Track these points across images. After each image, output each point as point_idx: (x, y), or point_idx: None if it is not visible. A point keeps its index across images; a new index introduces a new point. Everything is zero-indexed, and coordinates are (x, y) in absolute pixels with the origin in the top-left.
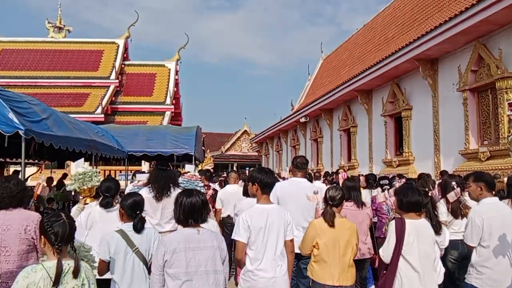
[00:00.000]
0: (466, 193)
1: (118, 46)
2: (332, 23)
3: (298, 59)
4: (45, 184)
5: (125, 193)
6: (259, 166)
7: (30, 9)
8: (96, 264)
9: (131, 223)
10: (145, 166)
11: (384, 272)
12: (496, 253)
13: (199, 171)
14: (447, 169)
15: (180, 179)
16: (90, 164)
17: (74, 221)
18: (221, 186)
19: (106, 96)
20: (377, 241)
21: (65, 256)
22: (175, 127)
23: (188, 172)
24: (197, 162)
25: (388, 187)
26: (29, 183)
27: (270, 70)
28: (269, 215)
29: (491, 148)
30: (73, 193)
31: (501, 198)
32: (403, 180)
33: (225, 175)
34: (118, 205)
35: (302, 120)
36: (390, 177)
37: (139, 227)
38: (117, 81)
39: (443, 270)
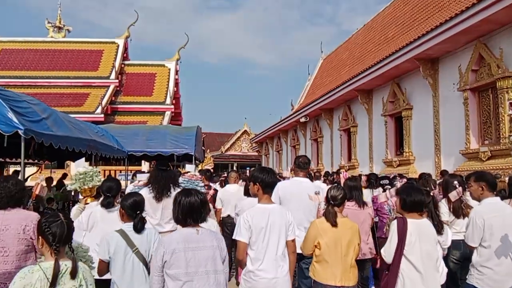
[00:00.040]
0: (468, 193)
1: (118, 46)
2: (332, 23)
3: (298, 59)
4: (44, 184)
5: (126, 193)
6: (261, 166)
7: (30, 9)
8: (94, 265)
9: (131, 223)
10: (145, 166)
11: (386, 272)
12: (497, 254)
13: (199, 171)
14: (448, 169)
15: (181, 179)
16: (90, 164)
17: (72, 222)
18: (222, 186)
19: (106, 96)
20: (378, 241)
21: (62, 256)
22: (175, 127)
23: (189, 172)
24: (197, 162)
25: (389, 186)
26: (29, 183)
27: (270, 70)
28: (270, 215)
29: (492, 147)
30: (73, 193)
31: (502, 198)
32: (404, 180)
33: (225, 175)
34: (119, 205)
35: (302, 120)
36: (391, 177)
37: (139, 227)
38: (117, 81)
39: (445, 270)
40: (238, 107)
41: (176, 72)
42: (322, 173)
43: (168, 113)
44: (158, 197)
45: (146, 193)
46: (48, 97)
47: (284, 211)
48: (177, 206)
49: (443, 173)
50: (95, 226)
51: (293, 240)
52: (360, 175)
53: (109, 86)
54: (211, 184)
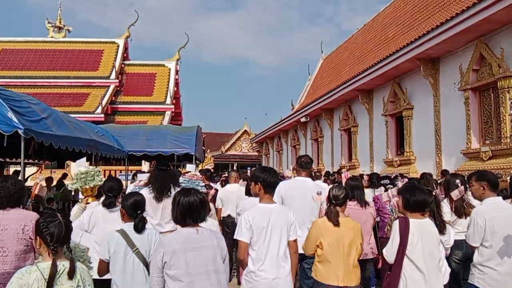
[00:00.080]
0: (470, 192)
1: (118, 46)
2: (332, 23)
3: (298, 59)
4: (44, 184)
5: (126, 193)
6: (262, 166)
7: (30, 9)
8: (92, 265)
9: (132, 223)
10: (145, 166)
11: (388, 273)
12: (499, 253)
13: (199, 171)
14: (449, 169)
15: (181, 179)
16: (90, 164)
17: (70, 222)
18: (223, 186)
19: (106, 96)
20: (380, 241)
21: (60, 257)
22: (176, 127)
23: (189, 172)
24: (197, 162)
25: (391, 186)
26: (29, 183)
27: (270, 70)
28: (271, 215)
29: (493, 147)
30: (73, 193)
31: (504, 198)
32: (406, 180)
33: (226, 174)
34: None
35: (303, 119)
36: (392, 176)
37: (140, 227)
38: (117, 81)
39: (448, 270)
40: (238, 107)
41: (176, 72)
42: (323, 173)
43: (168, 113)
44: (158, 197)
45: (146, 193)
46: (48, 97)
47: (286, 211)
48: (176, 206)
49: (444, 173)
50: (97, 226)
51: (295, 240)
52: (361, 175)
53: (109, 86)
54: (211, 184)
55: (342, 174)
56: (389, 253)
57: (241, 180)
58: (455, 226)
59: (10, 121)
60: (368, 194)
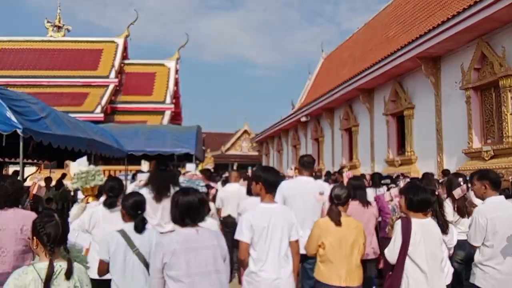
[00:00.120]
0: (472, 192)
1: (117, 45)
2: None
3: (298, 59)
4: (42, 184)
5: (127, 193)
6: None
7: (30, 9)
8: (89, 265)
9: (132, 223)
10: (145, 165)
11: (390, 273)
12: (500, 253)
13: (200, 171)
14: (450, 168)
15: (181, 179)
16: (90, 164)
17: (68, 222)
18: (224, 186)
19: (106, 95)
20: (381, 241)
21: (57, 257)
22: (175, 126)
23: (189, 171)
24: (197, 162)
25: (394, 185)
26: (28, 183)
27: (270, 69)
28: (272, 215)
29: (494, 147)
30: (72, 193)
31: (506, 197)
32: (407, 180)
33: (227, 174)
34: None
35: (303, 119)
36: (394, 176)
37: (140, 228)
38: (116, 80)
39: (451, 270)
40: (238, 107)
41: (176, 71)
42: (323, 173)
43: (168, 113)
44: (158, 198)
45: (146, 194)
46: (47, 97)
47: (287, 211)
48: (175, 205)
49: (445, 172)
50: (97, 226)
51: (297, 241)
52: (362, 175)
53: (108, 85)
54: (212, 184)
55: (343, 174)
56: (391, 253)
57: (242, 179)
58: (458, 226)
59: (9, 121)
60: (370, 193)
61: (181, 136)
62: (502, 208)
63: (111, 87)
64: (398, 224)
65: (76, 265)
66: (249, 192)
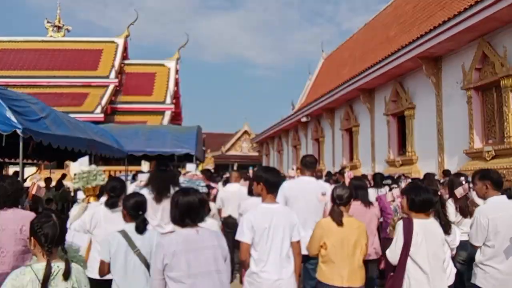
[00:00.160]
0: (474, 192)
1: (117, 45)
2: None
3: (298, 59)
4: (42, 184)
5: (128, 193)
6: (264, 165)
7: (29, 8)
8: (90, 264)
9: (133, 224)
10: (145, 166)
11: (391, 274)
12: (502, 253)
13: (200, 171)
14: (451, 169)
15: (181, 179)
16: (90, 164)
17: (65, 222)
18: (224, 186)
19: (106, 95)
20: (382, 241)
21: (55, 258)
22: (176, 126)
23: (190, 172)
24: (197, 162)
25: (395, 185)
26: (28, 183)
27: (270, 69)
28: (274, 216)
29: (496, 147)
30: (72, 194)
31: (508, 197)
32: (409, 180)
33: (227, 175)
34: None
35: (303, 119)
36: (395, 176)
37: (141, 228)
38: (116, 80)
39: (454, 270)
40: (239, 107)
41: (176, 71)
42: (324, 173)
43: (168, 113)
44: (158, 198)
45: (146, 194)
46: (47, 97)
47: (289, 211)
48: (175, 205)
49: (445, 172)
50: (98, 226)
51: (298, 241)
52: (363, 175)
53: (108, 85)
54: (213, 184)
55: (345, 174)
56: (393, 254)
57: (242, 180)
58: (460, 226)
59: (9, 121)
60: (372, 194)
61: (181, 137)
62: (504, 208)
63: (111, 87)
64: (399, 225)
65: (74, 266)
66: (250, 193)
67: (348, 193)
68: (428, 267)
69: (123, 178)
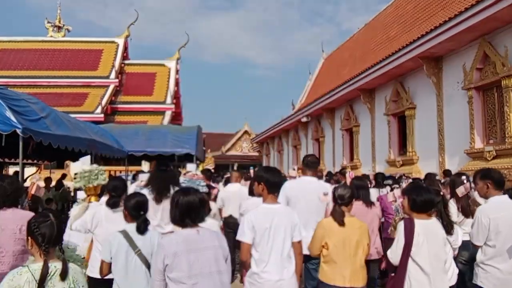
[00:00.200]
0: (476, 192)
1: (117, 45)
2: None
3: (298, 59)
4: (42, 184)
5: (129, 193)
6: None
7: (29, 8)
8: (91, 264)
9: (135, 224)
10: (145, 166)
11: (392, 274)
12: (503, 252)
13: (200, 171)
14: (452, 169)
15: (182, 179)
16: (91, 164)
17: (63, 222)
18: (225, 186)
19: (106, 95)
20: (384, 242)
21: (52, 258)
22: (176, 126)
23: (190, 171)
24: (197, 162)
25: (397, 185)
26: (28, 183)
27: (270, 69)
28: (275, 216)
29: (497, 147)
30: (72, 194)
31: (510, 197)
32: (410, 180)
33: (228, 174)
34: None
35: (304, 119)
36: (397, 176)
37: (142, 229)
38: (116, 80)
39: (456, 271)
40: (239, 107)
41: (177, 71)
42: (324, 173)
43: (168, 113)
44: (158, 198)
45: (146, 194)
46: (47, 97)
47: (290, 211)
48: (175, 205)
49: (446, 172)
50: (99, 226)
51: (299, 242)
52: (364, 175)
53: (109, 85)
54: (214, 184)
55: (346, 175)
56: (394, 254)
57: (243, 180)
58: (462, 226)
59: (8, 120)
60: (373, 194)
61: (182, 136)
62: (506, 208)
63: (111, 87)
64: (401, 225)
65: (71, 266)
66: (251, 193)
67: (349, 193)
68: (429, 268)
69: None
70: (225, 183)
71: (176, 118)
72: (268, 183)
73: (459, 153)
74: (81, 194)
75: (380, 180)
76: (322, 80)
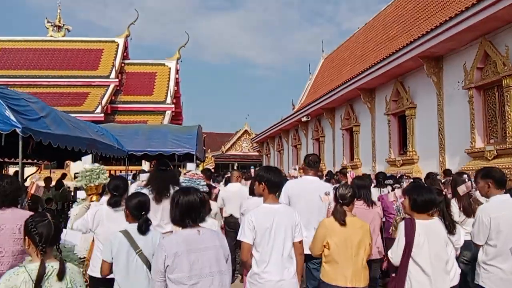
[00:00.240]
0: (478, 191)
1: (118, 45)
2: (332, 23)
3: (298, 59)
4: (41, 184)
5: (129, 193)
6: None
7: (29, 8)
8: (92, 263)
9: (136, 224)
10: (145, 165)
11: (393, 275)
12: (504, 252)
13: (201, 171)
14: (453, 168)
15: (182, 178)
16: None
17: (60, 222)
18: (226, 185)
19: (106, 95)
20: (385, 241)
21: (49, 257)
22: (176, 126)
23: (190, 171)
24: (198, 161)
25: (398, 185)
26: (28, 183)
27: (270, 69)
28: (275, 216)
29: (497, 146)
30: (72, 193)
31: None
32: (410, 180)
33: (229, 174)
34: None
35: (304, 119)
36: (398, 176)
37: (144, 229)
38: (117, 80)
39: (458, 271)
40: (239, 107)
41: (177, 71)
42: (324, 173)
43: (168, 113)
44: (158, 198)
45: (147, 194)
46: (47, 97)
47: (291, 211)
48: (175, 205)
49: (446, 172)
50: (101, 225)
51: (300, 242)
52: (365, 175)
53: (109, 85)
54: (215, 184)
55: (347, 174)
56: (395, 254)
57: (243, 179)
58: (464, 226)
59: (8, 120)
60: (374, 193)
61: (182, 136)
62: (507, 207)
63: (111, 87)
64: (401, 226)
65: (68, 266)
66: (252, 192)
67: (351, 192)
68: (430, 268)
69: None
70: (226, 183)
71: (176, 118)
72: (269, 183)
73: (459, 153)
74: (81, 194)
75: (381, 179)
76: (322, 80)
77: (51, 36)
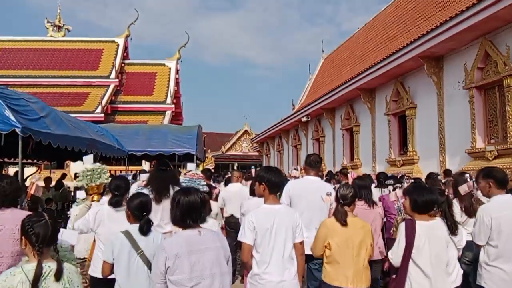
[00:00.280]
0: (479, 191)
1: (118, 45)
2: (332, 23)
3: (298, 59)
4: (41, 184)
5: (130, 193)
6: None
7: (29, 8)
8: (93, 264)
9: (137, 225)
10: (145, 166)
11: (394, 276)
12: (506, 252)
13: (201, 171)
14: (453, 169)
15: (182, 178)
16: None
17: (58, 222)
18: (226, 186)
19: (106, 95)
20: (386, 242)
21: (46, 258)
22: (176, 126)
23: (190, 171)
24: (198, 161)
25: (399, 185)
26: (27, 183)
27: (270, 70)
28: (276, 216)
29: (498, 146)
30: (72, 193)
31: None
32: (412, 180)
33: (229, 174)
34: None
35: (304, 119)
36: (399, 176)
37: (145, 229)
38: (117, 80)
39: (461, 272)
40: (239, 107)
41: (177, 71)
42: (324, 173)
43: (168, 113)
44: (158, 198)
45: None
46: (47, 97)
47: (291, 211)
48: (176, 206)
49: (446, 172)
50: (102, 225)
51: (301, 242)
52: (365, 174)
53: (109, 85)
54: (215, 184)
55: (348, 175)
56: (395, 255)
57: (244, 179)
58: (466, 226)
59: (8, 120)
60: (375, 194)
61: (182, 136)
62: (508, 207)
63: (111, 87)
64: (402, 226)
65: (66, 266)
66: (252, 193)
67: (352, 192)
68: (430, 270)
69: None
70: (226, 183)
71: (176, 118)
72: (270, 183)
73: (460, 153)
74: (80, 194)
75: (382, 179)
76: (322, 80)
77: (51, 36)
